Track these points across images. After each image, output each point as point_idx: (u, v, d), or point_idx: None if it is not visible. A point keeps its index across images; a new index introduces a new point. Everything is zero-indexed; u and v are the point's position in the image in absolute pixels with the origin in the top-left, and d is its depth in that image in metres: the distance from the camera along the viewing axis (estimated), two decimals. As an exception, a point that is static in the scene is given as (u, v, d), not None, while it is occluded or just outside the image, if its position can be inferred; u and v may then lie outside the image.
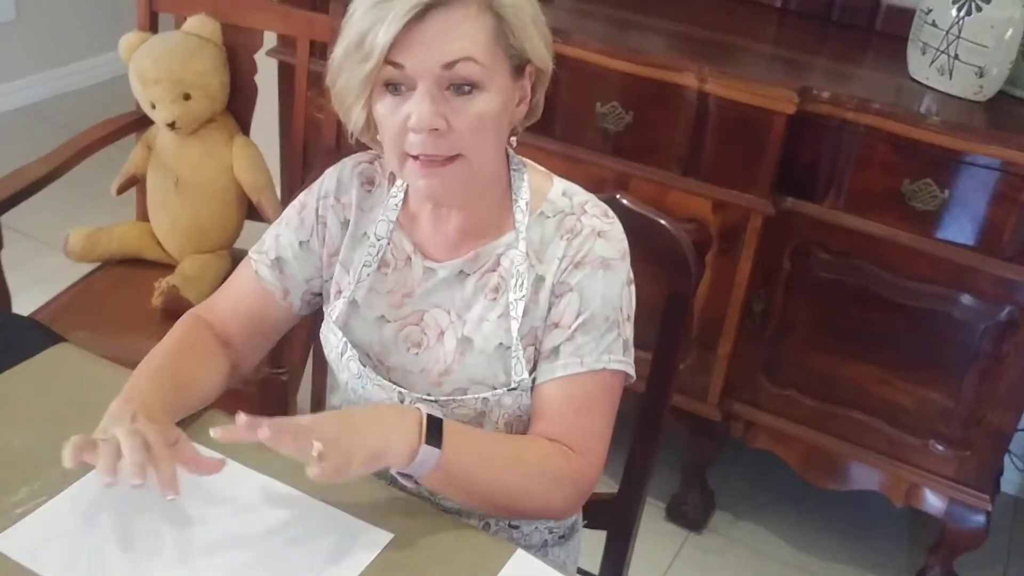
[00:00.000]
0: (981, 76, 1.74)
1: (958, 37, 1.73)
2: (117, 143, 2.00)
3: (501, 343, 1.08)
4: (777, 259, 1.89)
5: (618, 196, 1.22)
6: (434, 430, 0.97)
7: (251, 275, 1.18)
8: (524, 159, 1.13)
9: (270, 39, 2.15)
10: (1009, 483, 2.30)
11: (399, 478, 1.00)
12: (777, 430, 2.02)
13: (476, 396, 1.08)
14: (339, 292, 1.15)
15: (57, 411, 1.11)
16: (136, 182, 2.01)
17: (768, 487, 2.28)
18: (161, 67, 1.86)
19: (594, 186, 1.17)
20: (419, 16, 0.94)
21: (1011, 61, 1.74)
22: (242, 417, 0.92)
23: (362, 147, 1.13)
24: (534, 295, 1.08)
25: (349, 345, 1.13)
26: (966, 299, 1.77)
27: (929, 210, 1.73)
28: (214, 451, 1.03)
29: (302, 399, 1.87)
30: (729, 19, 2.13)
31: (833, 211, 1.81)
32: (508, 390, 1.08)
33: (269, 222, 1.93)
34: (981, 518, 1.90)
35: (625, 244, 1.10)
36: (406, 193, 1.13)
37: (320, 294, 1.19)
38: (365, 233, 1.14)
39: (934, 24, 1.76)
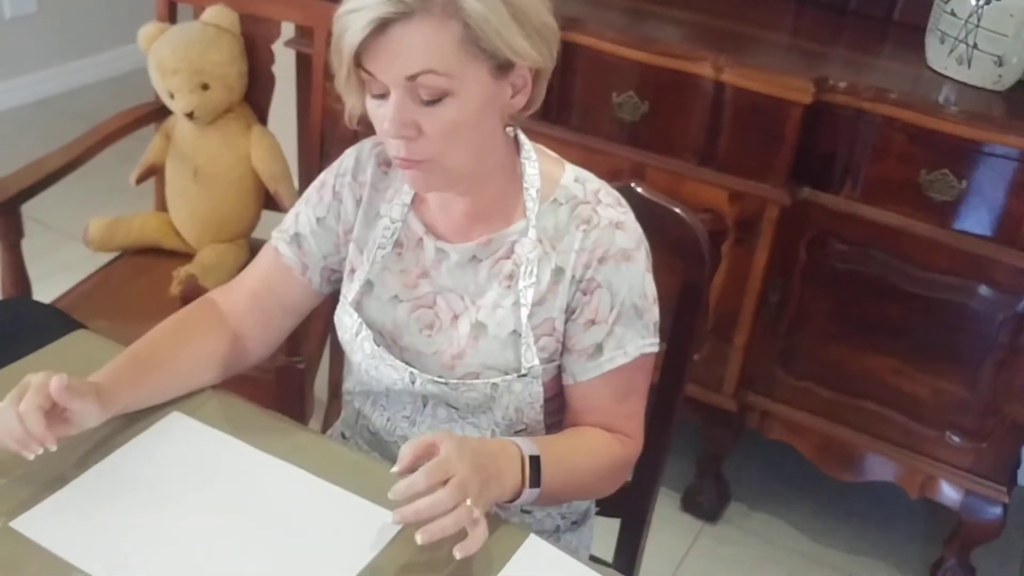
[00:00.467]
0: (1000, 65, 1.73)
1: (977, 26, 1.72)
2: (136, 134, 2.02)
3: (515, 330, 1.09)
4: (793, 250, 1.88)
5: (632, 184, 1.22)
6: (534, 469, 1.01)
7: (271, 253, 1.20)
8: (537, 145, 1.13)
9: (288, 29, 2.16)
10: (1027, 476, 2.29)
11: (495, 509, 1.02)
12: (793, 421, 2.02)
13: (486, 381, 1.09)
14: (352, 271, 1.16)
15: (77, 396, 1.12)
16: (155, 172, 2.03)
17: (783, 478, 2.28)
18: (180, 57, 1.87)
19: (610, 176, 1.17)
20: (381, 28, 0.94)
21: (1031, 50, 1.73)
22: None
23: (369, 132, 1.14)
24: (552, 286, 1.08)
25: (364, 325, 1.14)
26: (983, 290, 1.76)
27: (946, 200, 1.72)
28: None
29: (319, 387, 1.88)
30: (746, 8, 2.12)
31: (850, 201, 1.81)
32: (518, 376, 1.09)
33: (286, 211, 1.95)
34: (998, 510, 1.89)
35: (640, 231, 1.11)
36: None
37: (338, 271, 1.20)
38: (379, 213, 1.15)
39: (953, 13, 1.75)
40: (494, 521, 1.03)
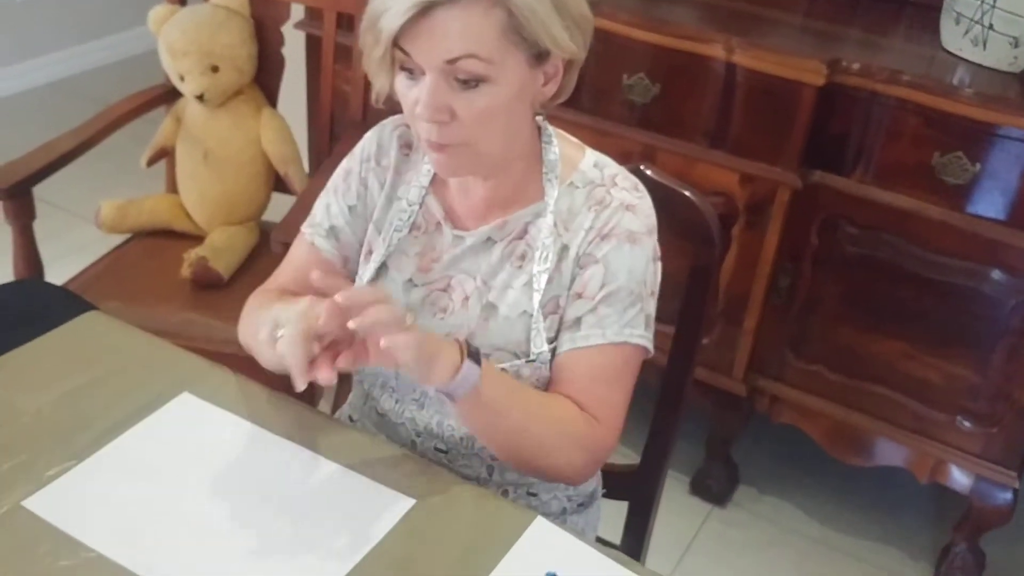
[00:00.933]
0: (1016, 47, 1.71)
1: (993, 7, 1.70)
2: (147, 116, 2.03)
3: (525, 311, 1.09)
4: (804, 233, 1.87)
5: (642, 167, 1.21)
6: (474, 354, 0.98)
7: (308, 248, 1.19)
8: (557, 130, 1.13)
9: (297, 11, 2.16)
10: (1038, 461, 2.28)
11: (441, 396, 0.99)
12: (802, 405, 2.02)
13: (495, 366, 1.09)
14: (369, 253, 1.16)
15: (87, 377, 1.13)
16: (166, 154, 2.03)
17: (793, 462, 2.28)
18: (190, 39, 1.87)
19: (621, 158, 1.16)
20: (425, 10, 0.93)
21: (1047, 32, 1.71)
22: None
23: (387, 113, 1.13)
24: (558, 264, 1.08)
25: None
26: (996, 274, 1.75)
27: (960, 184, 1.71)
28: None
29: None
30: (759, -10, 2.10)
31: (862, 184, 1.80)
32: (527, 361, 1.09)
33: (296, 194, 1.95)
34: (1008, 495, 1.88)
35: (654, 219, 1.10)
36: None
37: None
38: (398, 196, 1.15)
39: (968, -6, 1.73)
40: (500, 503, 1.03)
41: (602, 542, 1.30)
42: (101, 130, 1.89)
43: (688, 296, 1.26)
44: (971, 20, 1.74)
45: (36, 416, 1.07)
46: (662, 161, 1.87)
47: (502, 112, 0.99)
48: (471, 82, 0.96)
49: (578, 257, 1.08)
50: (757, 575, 2.02)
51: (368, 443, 1.11)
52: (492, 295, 1.10)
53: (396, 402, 1.17)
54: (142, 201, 2.03)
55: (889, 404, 1.93)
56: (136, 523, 0.96)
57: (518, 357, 1.09)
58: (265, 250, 1.94)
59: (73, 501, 0.98)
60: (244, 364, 1.20)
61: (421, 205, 1.14)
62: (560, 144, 1.12)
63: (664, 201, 1.17)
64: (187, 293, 1.86)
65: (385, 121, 1.18)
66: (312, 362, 0.94)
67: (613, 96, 1.88)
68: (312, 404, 1.70)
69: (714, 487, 2.17)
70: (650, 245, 1.08)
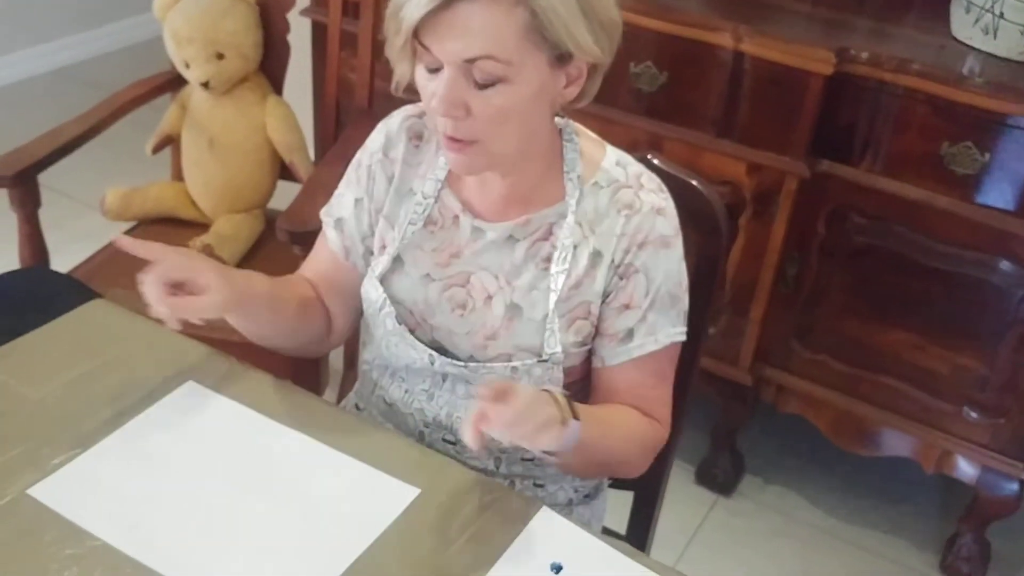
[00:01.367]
0: (1027, 36, 1.70)
1: (1003, -5, 1.68)
2: (152, 103, 2.02)
3: (549, 313, 1.08)
4: (812, 223, 1.86)
5: (649, 156, 1.21)
6: (571, 406, 0.99)
7: (322, 238, 1.20)
8: (577, 125, 1.11)
9: (303, -2, 2.15)
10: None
11: (544, 456, 0.99)
12: (809, 395, 2.01)
13: (506, 364, 1.09)
14: (383, 247, 1.15)
15: (92, 365, 1.13)
16: (171, 142, 2.03)
17: (798, 452, 2.27)
18: (194, 26, 1.87)
19: (627, 147, 1.16)
20: (445, 4, 0.92)
21: (1059, 20, 1.69)
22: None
23: (401, 101, 1.12)
24: (590, 269, 1.08)
25: (388, 301, 1.13)
26: (1005, 265, 1.74)
27: (968, 174, 1.70)
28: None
29: (334, 358, 1.89)
30: (767, -23, 2.08)
31: (870, 174, 1.79)
32: (539, 361, 1.08)
33: (301, 182, 1.95)
34: (1014, 486, 1.88)
35: (677, 218, 1.10)
36: None
37: (371, 251, 1.19)
38: (411, 189, 1.14)
39: (979, -18, 1.72)
40: (505, 493, 1.03)
41: (607, 532, 1.30)
42: (106, 117, 1.88)
43: (695, 286, 1.25)
44: (981, 8, 1.72)
45: (41, 404, 1.07)
46: (669, 150, 1.86)
47: (518, 112, 0.98)
48: (488, 81, 0.95)
49: (615, 265, 1.07)
50: (762, 565, 2.02)
51: (373, 432, 1.11)
52: (516, 296, 1.10)
53: (405, 392, 1.17)
54: (147, 189, 2.02)
55: (896, 394, 1.92)
56: (141, 511, 0.97)
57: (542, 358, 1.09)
58: (271, 238, 1.93)
59: (78, 489, 0.98)
60: (249, 352, 1.20)
61: (437, 200, 1.13)
62: (581, 140, 1.10)
63: (671, 190, 1.16)
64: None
65: (394, 113, 1.17)
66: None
67: (620, 84, 1.87)
68: (318, 393, 1.70)
69: (720, 477, 2.17)
70: (679, 245, 1.10)
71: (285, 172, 2.02)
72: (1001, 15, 1.70)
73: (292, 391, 1.15)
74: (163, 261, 1.02)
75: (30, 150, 1.74)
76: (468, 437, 0.91)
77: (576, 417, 0.98)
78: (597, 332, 1.10)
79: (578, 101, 1.06)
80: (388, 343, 1.15)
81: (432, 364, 1.12)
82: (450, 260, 1.12)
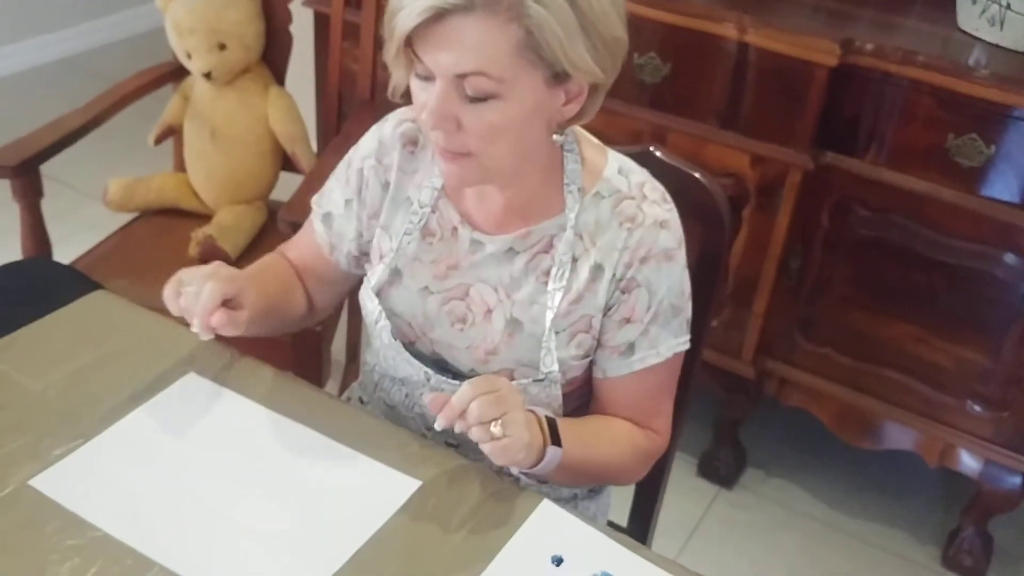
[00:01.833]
0: (1033, 27, 1.69)
1: (1010, -14, 1.68)
2: (155, 94, 2.02)
3: (551, 327, 1.07)
4: (815, 215, 1.86)
5: (651, 148, 1.20)
6: (552, 430, 1.00)
7: (310, 225, 1.20)
8: (578, 129, 1.08)
9: (305, -12, 2.14)
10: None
11: (522, 477, 1.02)
12: (812, 388, 2.01)
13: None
14: (380, 257, 1.14)
15: (93, 356, 1.13)
16: (173, 133, 2.03)
17: (801, 445, 2.27)
18: (196, 17, 1.86)
19: (630, 139, 1.15)
20: (438, 16, 0.89)
21: (1065, 12, 1.68)
22: (428, 398, 0.97)
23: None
24: (591, 283, 1.06)
25: (384, 314, 1.12)
26: (1009, 258, 1.73)
27: (974, 166, 1.69)
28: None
29: (336, 350, 1.89)
30: (772, -32, 2.07)
31: (874, 167, 1.78)
32: (534, 381, 1.07)
33: (304, 173, 1.94)
34: (1017, 480, 1.87)
35: (681, 229, 1.07)
36: None
37: (362, 255, 1.18)
38: (408, 197, 1.11)
39: (985, -27, 1.71)
40: (506, 486, 1.03)
41: (609, 524, 1.30)
42: (108, 108, 1.88)
43: (697, 278, 1.24)
44: None
45: (43, 395, 1.07)
46: (673, 142, 1.85)
47: (511, 129, 0.95)
48: (480, 97, 0.92)
49: (616, 279, 1.05)
50: (764, 557, 2.02)
51: (374, 424, 1.11)
52: (516, 310, 1.08)
53: (406, 396, 1.17)
54: (150, 179, 2.02)
55: (899, 388, 1.92)
56: (142, 502, 0.96)
57: (537, 376, 1.08)
58: (273, 229, 1.93)
59: (80, 480, 0.98)
60: (251, 345, 1.20)
61: (435, 210, 1.10)
62: (582, 149, 1.07)
63: (673, 183, 1.16)
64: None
65: (388, 116, 1.14)
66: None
67: (623, 76, 1.83)
68: (319, 386, 1.70)
69: (722, 469, 2.17)
70: (682, 256, 1.07)
71: (287, 163, 2.02)
72: (1008, 6, 1.69)
73: (293, 383, 1.15)
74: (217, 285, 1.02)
75: (32, 140, 1.74)
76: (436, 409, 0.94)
77: (558, 442, 0.99)
78: (598, 344, 1.09)
79: (578, 119, 1.02)
80: (385, 355, 1.15)
81: (428, 380, 1.12)
82: (448, 272, 1.10)
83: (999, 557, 2.02)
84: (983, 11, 1.73)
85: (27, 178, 1.71)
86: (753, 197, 1.85)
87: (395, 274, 1.12)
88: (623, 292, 1.05)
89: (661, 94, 1.86)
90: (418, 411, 1.16)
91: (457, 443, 1.14)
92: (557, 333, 1.06)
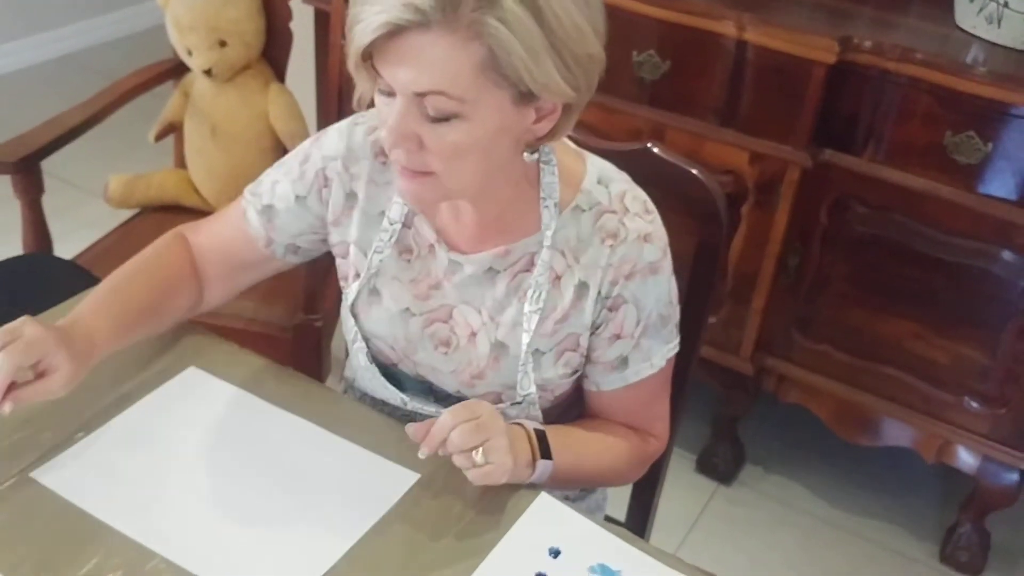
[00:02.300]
0: (1031, 25, 1.69)
1: (1008, -16, 1.68)
2: (155, 91, 2.02)
3: (538, 349, 1.05)
4: (814, 212, 1.86)
5: (649, 145, 1.20)
6: (542, 442, 1.01)
7: (240, 214, 1.14)
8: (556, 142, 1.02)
9: (306, -14, 2.15)
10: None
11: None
12: (810, 385, 2.01)
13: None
14: (357, 275, 1.10)
15: (95, 351, 1.13)
16: (174, 130, 2.03)
17: (799, 442, 2.28)
18: (196, 14, 1.87)
19: (629, 137, 1.15)
20: (394, 32, 0.84)
21: (1063, 10, 1.69)
22: (411, 429, 0.97)
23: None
24: (576, 301, 1.03)
25: (359, 335, 1.10)
26: (1007, 255, 1.74)
27: (971, 163, 1.70)
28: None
29: (336, 346, 1.89)
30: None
31: (872, 164, 1.78)
32: (512, 404, 1.06)
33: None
34: (1014, 476, 1.88)
35: (665, 236, 1.04)
36: None
37: (309, 250, 1.14)
38: (382, 212, 1.07)
39: (983, -29, 1.71)
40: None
41: (607, 519, 1.30)
42: (109, 104, 1.89)
43: (695, 275, 1.25)
44: (986, -3, 1.72)
45: (44, 389, 1.08)
46: (671, 139, 1.86)
47: (475, 150, 0.90)
48: (442, 116, 0.87)
49: (602, 297, 1.03)
50: (762, 553, 2.03)
51: (373, 418, 1.11)
52: (501, 333, 1.05)
53: (388, 415, 1.14)
54: (150, 176, 2.03)
55: (897, 384, 1.92)
56: (143, 495, 0.97)
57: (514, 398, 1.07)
58: (273, 226, 1.93)
59: (80, 472, 0.98)
60: (251, 339, 1.21)
61: (411, 227, 1.06)
62: (559, 158, 1.02)
63: (671, 180, 1.17)
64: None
65: (356, 119, 1.08)
66: (9, 387, 0.92)
67: (622, 73, 1.87)
68: (320, 380, 1.71)
69: (720, 466, 2.17)
70: (667, 264, 1.04)
71: (288, 160, 2.02)
72: (1006, 4, 1.69)
73: (293, 377, 1.15)
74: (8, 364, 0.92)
75: (33, 137, 1.75)
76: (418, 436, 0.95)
77: (548, 455, 1.00)
78: (589, 359, 1.07)
79: (551, 137, 0.96)
80: (363, 376, 1.13)
81: (405, 405, 1.10)
82: (430, 292, 1.06)
83: (996, 553, 2.03)
84: (981, 9, 1.74)
85: (28, 174, 1.72)
86: (752, 194, 1.86)
87: (373, 294, 1.08)
88: (610, 310, 1.03)
89: (660, 91, 1.86)
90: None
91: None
92: (543, 353, 1.05)
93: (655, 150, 1.20)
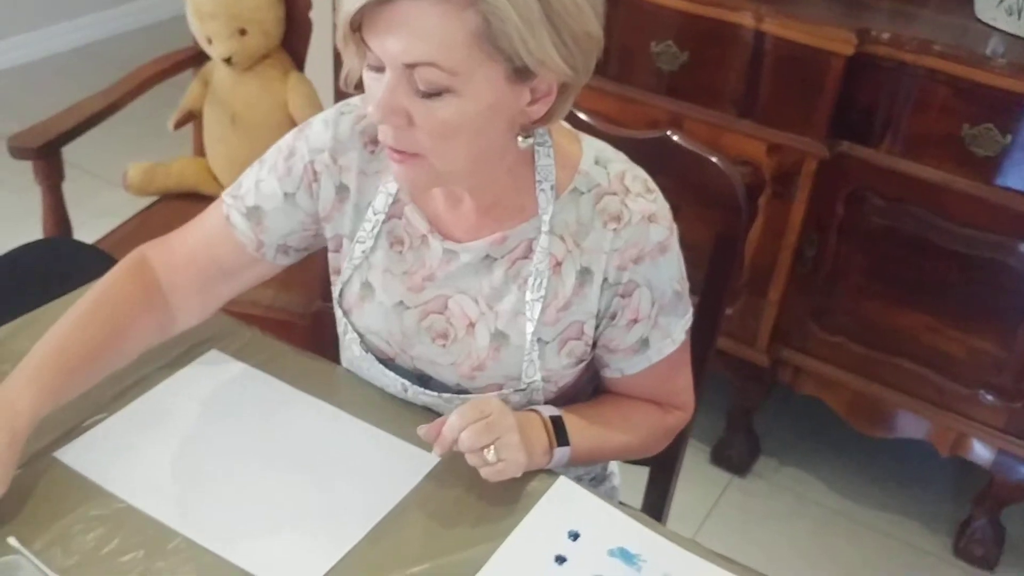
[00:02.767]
0: (1051, 17, 1.69)
1: (1029, -24, 1.67)
2: (174, 80, 2.03)
3: (540, 338, 1.02)
4: (831, 204, 1.86)
5: (668, 133, 1.21)
6: (559, 429, 1.01)
7: (221, 220, 1.07)
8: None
9: (324, -25, 2.15)
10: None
11: None
12: (825, 377, 2.01)
13: (495, 394, 1.05)
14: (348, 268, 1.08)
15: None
16: (193, 118, 2.04)
17: (814, 434, 2.28)
18: (217, 2, 1.88)
19: (647, 127, 1.16)
20: None
21: (1084, 2, 1.68)
22: (422, 431, 0.97)
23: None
24: (579, 288, 1.00)
25: (351, 327, 1.09)
26: (1023, 248, 1.74)
27: (989, 156, 1.69)
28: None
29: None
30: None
31: (889, 156, 1.78)
32: (516, 391, 1.04)
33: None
34: (1030, 470, 1.88)
35: (669, 211, 1.01)
36: None
37: (301, 248, 1.10)
38: (370, 203, 1.03)
39: (1004, -38, 1.71)
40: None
41: (624, 506, 1.30)
42: (129, 92, 1.90)
43: (713, 265, 1.25)
44: (1006, -11, 1.71)
45: (68, 370, 1.09)
46: (689, 130, 1.86)
47: (466, 128, 0.87)
48: (432, 91, 0.84)
49: (611, 284, 1.00)
50: (776, 545, 2.03)
51: (393, 401, 1.12)
52: (501, 322, 1.01)
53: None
54: (169, 164, 2.04)
55: (912, 377, 1.92)
56: (165, 475, 0.98)
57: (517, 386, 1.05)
58: (291, 214, 1.94)
59: (104, 453, 1.00)
60: (270, 326, 1.22)
61: (402, 217, 1.02)
62: (556, 141, 0.99)
63: (690, 168, 1.17)
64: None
65: (342, 108, 1.04)
66: None
67: (641, 63, 1.87)
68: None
69: (735, 457, 2.17)
70: (675, 240, 1.02)
71: (305, 149, 2.03)
72: (1026, -4, 1.69)
73: (314, 360, 1.16)
74: None
75: (54, 123, 1.76)
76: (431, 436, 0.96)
77: (566, 440, 1.00)
78: (607, 349, 1.05)
79: (546, 120, 0.93)
80: (359, 367, 1.12)
81: (405, 392, 1.08)
82: (424, 284, 1.03)
83: (1011, 547, 2.02)
84: (1001, 1, 1.73)
85: (50, 160, 1.73)
86: (769, 185, 1.86)
87: (366, 288, 1.05)
88: (623, 296, 1.00)
89: (678, 82, 1.86)
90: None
91: None
92: (547, 343, 1.02)
93: (675, 138, 1.20)
